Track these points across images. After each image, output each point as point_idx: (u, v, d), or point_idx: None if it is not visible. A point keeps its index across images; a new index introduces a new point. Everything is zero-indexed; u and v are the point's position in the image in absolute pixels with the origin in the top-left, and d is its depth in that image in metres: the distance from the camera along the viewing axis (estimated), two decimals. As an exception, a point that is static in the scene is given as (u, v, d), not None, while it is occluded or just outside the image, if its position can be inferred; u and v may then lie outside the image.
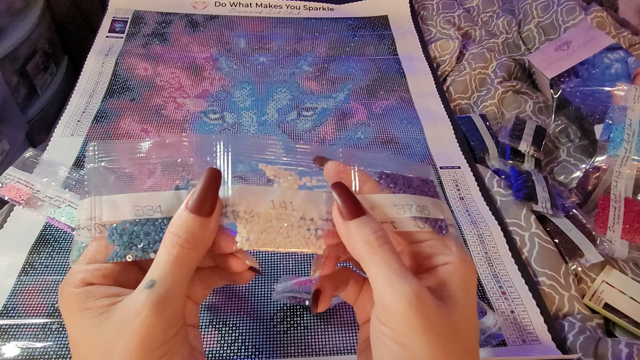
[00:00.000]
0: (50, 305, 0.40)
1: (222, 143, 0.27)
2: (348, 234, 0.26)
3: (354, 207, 0.26)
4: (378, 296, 0.24)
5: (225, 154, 0.27)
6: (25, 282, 0.42)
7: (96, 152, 0.27)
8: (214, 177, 0.25)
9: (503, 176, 0.54)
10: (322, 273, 0.28)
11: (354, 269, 0.32)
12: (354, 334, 0.39)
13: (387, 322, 0.24)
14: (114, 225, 0.26)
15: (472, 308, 0.26)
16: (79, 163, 0.53)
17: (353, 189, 0.28)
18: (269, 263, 0.45)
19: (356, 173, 0.28)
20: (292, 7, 0.81)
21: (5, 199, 0.47)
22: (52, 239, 0.46)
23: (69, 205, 0.47)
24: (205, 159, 0.27)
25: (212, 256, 0.28)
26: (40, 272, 0.43)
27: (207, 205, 0.25)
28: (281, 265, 0.45)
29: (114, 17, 0.76)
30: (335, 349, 0.39)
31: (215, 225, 0.25)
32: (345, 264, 0.32)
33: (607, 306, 0.43)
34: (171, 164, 0.28)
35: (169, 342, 0.24)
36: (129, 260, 0.26)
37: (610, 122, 0.53)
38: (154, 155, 0.28)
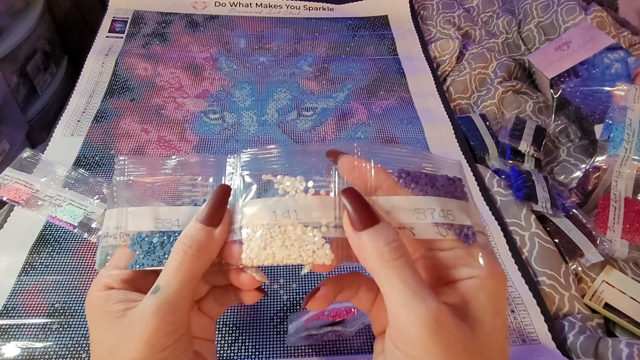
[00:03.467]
0: (50, 305, 0.40)
1: (238, 160, 0.28)
2: (360, 246, 0.23)
3: (366, 216, 0.24)
4: (392, 316, 0.22)
5: (240, 171, 0.28)
6: (25, 282, 0.42)
7: (125, 166, 0.29)
8: (223, 191, 0.26)
9: (503, 176, 0.54)
10: (316, 270, 0.26)
11: (367, 274, 0.30)
12: (353, 334, 0.39)
13: (402, 347, 0.22)
14: (136, 235, 0.27)
15: (501, 329, 0.23)
16: (79, 163, 0.53)
17: (368, 188, 0.25)
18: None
19: (372, 170, 0.26)
20: (292, 7, 0.81)
21: (4, 199, 0.47)
22: (52, 239, 0.46)
23: (70, 203, 0.47)
24: (221, 177, 0.28)
25: (224, 273, 0.28)
26: (40, 272, 0.43)
27: (214, 215, 0.26)
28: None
29: (114, 17, 0.76)
30: (335, 349, 0.39)
31: (221, 236, 0.26)
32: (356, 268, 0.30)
33: (607, 306, 0.43)
34: (192, 181, 0.29)
35: (170, 347, 0.24)
36: (146, 268, 0.27)
37: (610, 122, 0.53)
38: (178, 172, 0.29)
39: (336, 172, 0.26)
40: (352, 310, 0.38)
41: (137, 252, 0.27)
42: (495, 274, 0.23)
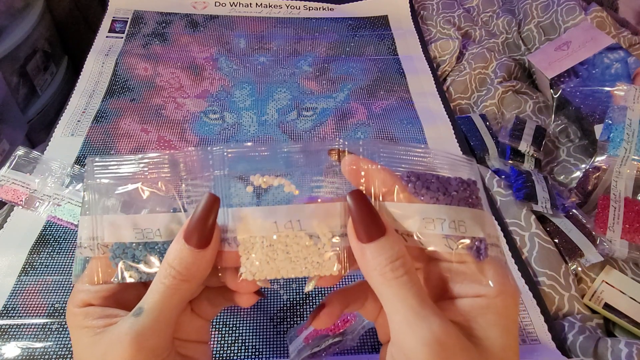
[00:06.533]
0: (50, 305, 0.40)
1: (220, 159, 0.25)
2: (362, 258, 0.22)
3: (372, 226, 0.22)
4: (394, 335, 0.21)
5: (225, 171, 0.25)
6: (25, 282, 0.42)
7: (95, 168, 0.26)
8: (211, 205, 0.23)
9: (503, 176, 0.54)
10: (321, 284, 0.25)
11: None
12: (356, 342, 0.39)
13: None
14: (116, 247, 0.25)
15: (511, 350, 0.22)
16: (79, 163, 0.53)
17: (374, 192, 0.23)
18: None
19: (379, 172, 0.23)
20: (292, 7, 0.81)
21: (2, 200, 0.47)
22: (52, 239, 0.46)
23: (69, 202, 0.47)
24: (204, 174, 0.25)
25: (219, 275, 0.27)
26: (40, 272, 0.43)
27: (203, 236, 0.23)
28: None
29: (114, 17, 0.76)
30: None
31: (212, 256, 0.24)
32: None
33: (607, 306, 0.43)
34: (173, 182, 0.26)
35: None
36: (130, 282, 0.25)
37: (610, 122, 0.53)
38: (155, 172, 0.26)
39: (339, 173, 0.24)
40: (349, 318, 0.37)
41: (120, 265, 0.25)
42: (505, 292, 0.22)
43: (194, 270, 0.23)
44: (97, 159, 0.26)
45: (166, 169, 0.26)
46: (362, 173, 0.24)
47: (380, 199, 0.24)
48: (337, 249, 0.23)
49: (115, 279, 0.25)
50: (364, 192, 0.24)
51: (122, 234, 0.25)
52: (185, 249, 0.23)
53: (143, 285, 0.26)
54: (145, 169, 0.26)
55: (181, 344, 0.27)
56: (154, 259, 0.25)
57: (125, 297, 0.26)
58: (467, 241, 0.23)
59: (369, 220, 0.22)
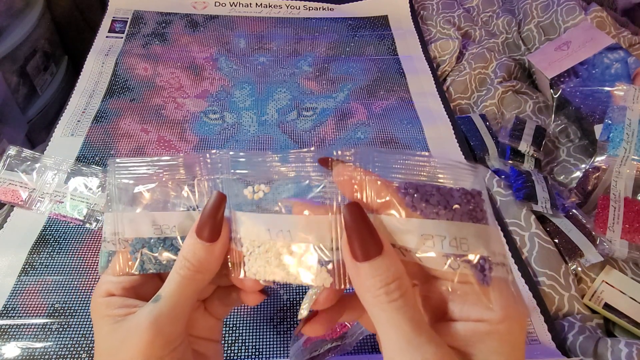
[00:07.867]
0: (50, 305, 0.40)
1: (229, 163, 0.26)
2: (357, 278, 0.21)
3: (369, 244, 0.21)
4: (387, 359, 0.21)
5: (231, 174, 0.26)
6: (25, 282, 0.42)
7: (116, 168, 0.28)
8: (219, 202, 0.25)
9: (503, 176, 0.54)
10: (316, 307, 0.24)
11: None
12: (353, 346, 0.39)
13: None
14: (136, 241, 0.27)
15: None
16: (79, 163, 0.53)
17: (368, 204, 0.22)
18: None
19: (373, 183, 0.22)
20: (292, 7, 0.81)
21: (2, 202, 0.47)
22: (52, 239, 0.46)
23: (72, 198, 0.47)
24: (215, 176, 0.27)
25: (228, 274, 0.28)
26: (40, 272, 0.43)
27: (211, 231, 0.25)
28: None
29: (114, 17, 0.76)
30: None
31: (221, 250, 0.25)
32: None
33: (607, 306, 0.43)
34: (187, 183, 0.28)
35: (166, 357, 0.24)
36: (149, 273, 0.27)
37: (610, 122, 0.53)
38: (171, 173, 0.28)
39: (332, 183, 0.23)
40: (346, 324, 0.37)
41: (139, 258, 0.27)
42: (510, 317, 0.20)
43: (206, 262, 0.25)
44: (117, 160, 0.28)
45: (182, 171, 0.28)
46: (355, 184, 0.22)
47: (374, 211, 0.22)
48: (328, 263, 0.22)
49: (136, 271, 0.27)
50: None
51: (141, 229, 0.27)
52: (197, 243, 0.25)
53: (160, 279, 0.28)
54: (162, 170, 0.28)
55: (194, 340, 0.28)
56: (170, 253, 0.27)
57: (144, 290, 0.27)
58: (470, 260, 0.21)
59: (366, 237, 0.21)
